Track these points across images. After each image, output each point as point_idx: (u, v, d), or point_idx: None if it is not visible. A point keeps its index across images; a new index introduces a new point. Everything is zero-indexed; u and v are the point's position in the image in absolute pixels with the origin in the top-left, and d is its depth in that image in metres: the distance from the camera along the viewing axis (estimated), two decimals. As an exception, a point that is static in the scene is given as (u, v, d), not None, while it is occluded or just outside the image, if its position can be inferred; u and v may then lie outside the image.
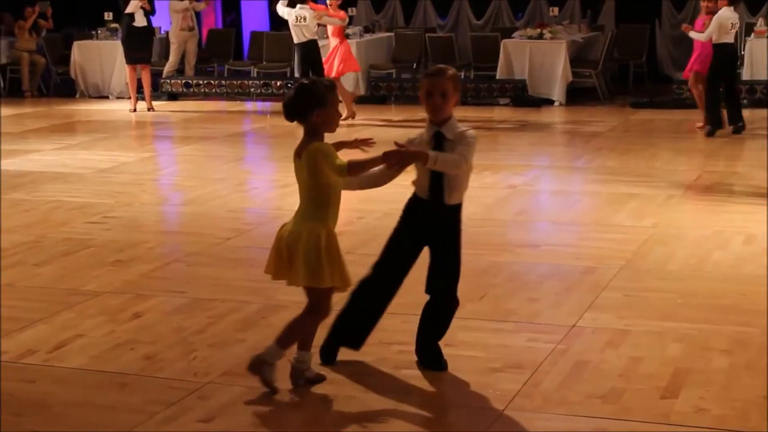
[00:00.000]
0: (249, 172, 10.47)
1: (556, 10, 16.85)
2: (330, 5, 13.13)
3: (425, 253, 4.72)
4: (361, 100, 15.03)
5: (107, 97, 16.34)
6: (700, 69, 11.72)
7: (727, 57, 11.51)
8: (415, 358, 4.86)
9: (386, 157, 4.28)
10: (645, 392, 4.50)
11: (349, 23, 15.26)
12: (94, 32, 16.83)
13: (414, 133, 4.73)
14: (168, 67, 16.12)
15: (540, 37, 14.88)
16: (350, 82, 14.90)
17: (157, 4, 14.85)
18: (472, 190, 4.91)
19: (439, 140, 4.52)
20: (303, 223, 4.44)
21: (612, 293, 5.93)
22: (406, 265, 4.71)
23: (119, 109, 15.08)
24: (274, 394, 4.52)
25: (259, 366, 4.53)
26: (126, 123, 13.97)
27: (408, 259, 4.71)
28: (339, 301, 4.76)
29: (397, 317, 5.38)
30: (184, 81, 16.09)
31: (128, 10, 14.31)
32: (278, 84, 15.66)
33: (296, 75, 13.27)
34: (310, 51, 12.86)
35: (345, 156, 4.45)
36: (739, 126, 11.52)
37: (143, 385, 4.72)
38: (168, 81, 16.01)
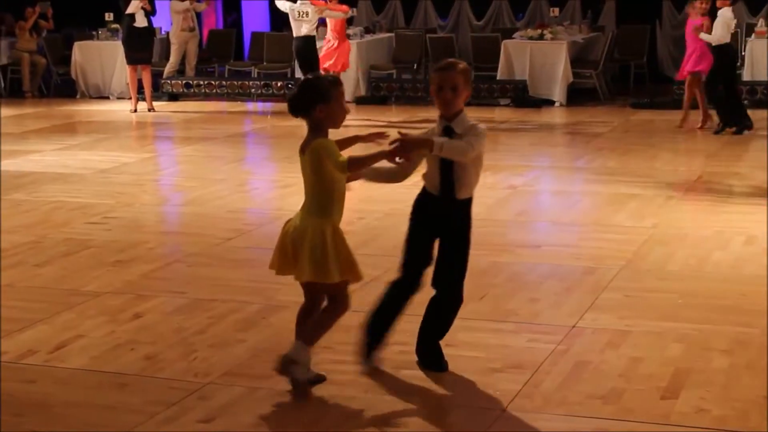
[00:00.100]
0: (249, 172, 10.48)
1: (556, 10, 16.85)
2: (330, 1, 13.13)
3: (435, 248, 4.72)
4: (361, 101, 15.04)
5: (108, 98, 16.34)
6: (696, 69, 11.75)
7: (727, 58, 11.57)
8: (415, 358, 4.86)
9: (392, 147, 4.26)
10: (645, 392, 4.50)
11: (349, 24, 15.27)
12: (94, 33, 16.84)
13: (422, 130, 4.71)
14: (169, 68, 16.13)
15: (540, 37, 14.88)
16: (350, 83, 14.90)
17: (157, 5, 14.85)
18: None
19: (448, 134, 4.51)
20: (308, 219, 4.44)
21: (612, 293, 5.93)
22: (429, 259, 4.69)
23: (120, 109, 15.08)
24: (305, 395, 4.50)
25: (288, 366, 4.50)
26: (127, 123, 13.98)
27: (429, 254, 4.68)
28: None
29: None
30: (184, 81, 16.10)
31: (129, 10, 14.32)
32: (279, 84, 15.66)
33: (301, 70, 13.33)
34: (306, 45, 12.87)
35: (361, 150, 4.41)
36: (745, 126, 11.56)
37: (143, 386, 4.72)
38: (169, 81, 16.01)
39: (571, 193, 8.92)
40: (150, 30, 14.67)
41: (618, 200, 8.36)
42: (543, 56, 14.70)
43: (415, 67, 16.07)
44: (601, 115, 13.63)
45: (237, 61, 17.44)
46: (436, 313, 4.76)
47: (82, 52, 16.46)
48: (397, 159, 4.33)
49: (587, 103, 14.64)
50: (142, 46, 14.53)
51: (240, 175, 10.02)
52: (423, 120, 12.32)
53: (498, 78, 14.80)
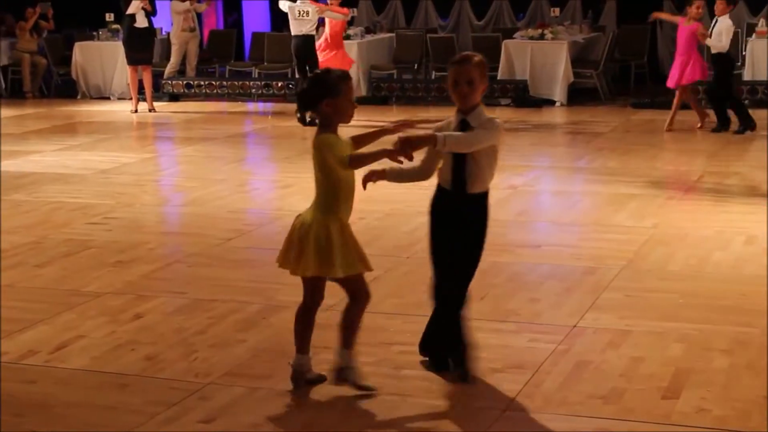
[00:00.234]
0: (250, 172, 10.47)
1: (557, 10, 16.84)
2: (331, 2, 13.14)
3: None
4: (361, 101, 15.01)
5: (108, 98, 16.34)
6: (694, 79, 11.84)
7: (729, 64, 11.78)
8: (415, 358, 4.86)
9: (395, 146, 4.25)
10: (646, 392, 4.50)
11: (350, 24, 15.27)
12: (95, 33, 16.83)
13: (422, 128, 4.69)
14: (169, 68, 16.13)
15: (541, 37, 14.88)
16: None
17: (158, 5, 14.85)
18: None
19: (464, 128, 4.49)
20: (315, 214, 4.44)
21: (613, 293, 5.93)
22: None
23: (120, 110, 15.08)
24: (373, 395, 4.49)
25: (342, 373, 4.53)
26: (127, 124, 13.98)
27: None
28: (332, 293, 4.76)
29: (398, 318, 5.40)
30: (185, 82, 16.10)
31: (129, 11, 14.32)
32: (279, 85, 15.66)
33: (298, 69, 13.35)
34: (306, 44, 12.87)
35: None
36: (748, 126, 11.63)
37: (144, 386, 4.72)
38: (169, 82, 16.01)
39: (572, 193, 8.92)
40: (151, 30, 14.67)
41: (618, 200, 8.35)
42: (544, 56, 14.69)
43: (415, 67, 16.06)
44: (601, 115, 13.63)
45: (238, 61, 17.43)
46: (439, 308, 4.72)
47: (83, 53, 16.45)
48: (400, 158, 4.31)
49: (588, 103, 14.64)
50: (142, 47, 14.53)
51: (240, 176, 10.02)
52: (423, 120, 12.29)
53: (498, 78, 14.78)
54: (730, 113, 11.74)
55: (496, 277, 6.27)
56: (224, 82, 16.14)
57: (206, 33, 18.03)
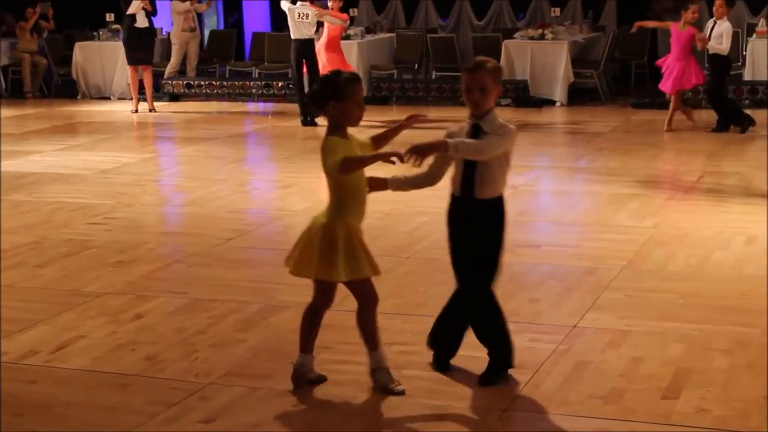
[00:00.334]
0: (250, 172, 10.48)
1: (557, 10, 16.85)
2: (332, 7, 13.15)
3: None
4: (362, 101, 15.01)
5: (109, 98, 16.34)
6: (693, 84, 11.91)
7: (727, 66, 11.79)
8: (415, 358, 4.87)
9: (406, 152, 4.24)
10: (646, 392, 4.50)
11: (351, 24, 15.27)
12: (95, 33, 16.84)
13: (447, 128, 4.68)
14: (169, 68, 16.13)
15: (541, 37, 14.88)
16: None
17: (158, 5, 14.86)
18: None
19: (476, 133, 4.48)
20: (325, 216, 4.45)
21: (613, 293, 5.93)
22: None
23: (121, 110, 15.08)
24: (401, 394, 4.50)
25: (373, 375, 4.55)
26: (127, 124, 13.98)
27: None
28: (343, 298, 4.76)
29: (398, 317, 5.39)
30: (185, 82, 16.10)
31: (130, 11, 14.32)
32: (279, 85, 15.66)
33: (292, 72, 13.34)
34: (305, 48, 12.87)
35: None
36: (750, 123, 11.74)
37: (144, 386, 4.72)
38: (169, 82, 16.01)
39: (572, 193, 8.92)
40: (151, 30, 14.68)
41: (618, 200, 8.36)
42: (544, 56, 14.69)
43: (416, 67, 16.06)
44: (601, 115, 13.63)
45: (238, 61, 17.44)
46: (460, 312, 4.71)
47: (83, 53, 16.46)
48: (411, 164, 4.26)
49: (588, 103, 14.64)
50: (143, 47, 14.54)
51: (240, 176, 10.02)
52: (423, 121, 12.28)
53: (499, 78, 14.77)
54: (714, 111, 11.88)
55: (496, 277, 6.26)
56: (224, 82, 16.14)
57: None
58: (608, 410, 4.33)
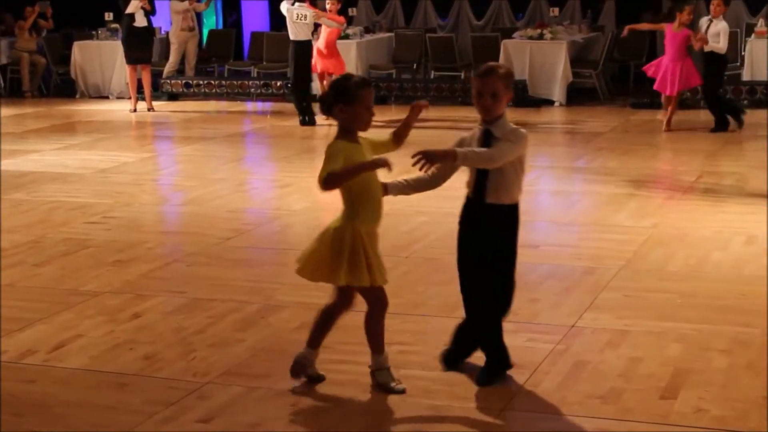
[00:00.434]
0: (249, 172, 10.48)
1: (556, 10, 16.85)
2: (330, 10, 13.15)
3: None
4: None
5: (107, 98, 16.34)
6: (691, 86, 11.97)
7: (723, 65, 11.83)
8: (415, 358, 4.87)
9: (377, 159, 4.24)
10: (644, 392, 4.50)
11: (349, 24, 15.27)
12: (94, 32, 16.84)
13: (464, 133, 4.67)
14: (168, 68, 16.13)
15: (540, 37, 14.88)
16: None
17: (157, 5, 14.85)
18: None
19: (487, 138, 4.47)
20: (337, 221, 4.44)
21: (612, 293, 5.93)
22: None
23: (119, 109, 15.08)
24: (402, 392, 4.51)
25: (373, 376, 4.56)
26: (126, 123, 13.98)
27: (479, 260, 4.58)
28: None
29: (397, 317, 5.38)
30: (184, 81, 16.10)
31: (128, 10, 14.32)
32: (278, 84, 15.66)
33: (291, 72, 13.35)
34: (303, 50, 12.87)
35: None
36: (742, 112, 11.89)
37: (143, 385, 4.72)
38: (168, 81, 16.01)
39: (571, 192, 8.92)
40: (150, 30, 14.67)
41: (618, 200, 8.36)
42: (543, 56, 14.70)
43: (414, 67, 16.07)
44: (600, 114, 13.63)
45: (236, 60, 17.44)
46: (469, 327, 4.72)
47: (82, 52, 16.45)
48: (419, 169, 4.24)
49: (587, 103, 14.64)
50: (141, 46, 14.53)
51: (239, 175, 10.02)
52: (422, 120, 12.29)
53: (498, 78, 14.77)
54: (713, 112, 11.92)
55: (495, 276, 6.26)
56: (223, 82, 16.14)
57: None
58: (607, 410, 4.33)
